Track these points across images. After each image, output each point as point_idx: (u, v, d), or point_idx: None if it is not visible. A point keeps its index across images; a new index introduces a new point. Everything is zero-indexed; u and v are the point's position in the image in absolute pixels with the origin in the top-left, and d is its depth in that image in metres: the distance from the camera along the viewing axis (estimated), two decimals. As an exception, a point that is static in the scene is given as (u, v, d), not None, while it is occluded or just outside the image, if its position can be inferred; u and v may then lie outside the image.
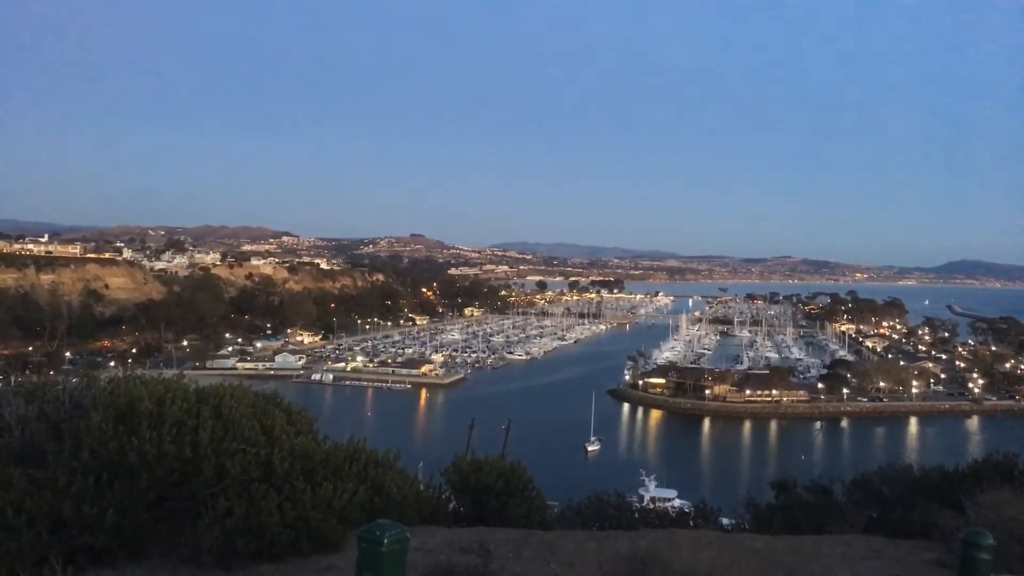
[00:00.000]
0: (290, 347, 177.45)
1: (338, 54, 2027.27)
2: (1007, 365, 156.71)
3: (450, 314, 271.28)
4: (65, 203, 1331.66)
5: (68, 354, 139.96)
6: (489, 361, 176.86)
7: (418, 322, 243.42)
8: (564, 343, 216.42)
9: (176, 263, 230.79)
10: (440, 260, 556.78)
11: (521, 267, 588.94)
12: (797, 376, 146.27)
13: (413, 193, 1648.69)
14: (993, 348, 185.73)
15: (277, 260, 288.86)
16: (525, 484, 9.84)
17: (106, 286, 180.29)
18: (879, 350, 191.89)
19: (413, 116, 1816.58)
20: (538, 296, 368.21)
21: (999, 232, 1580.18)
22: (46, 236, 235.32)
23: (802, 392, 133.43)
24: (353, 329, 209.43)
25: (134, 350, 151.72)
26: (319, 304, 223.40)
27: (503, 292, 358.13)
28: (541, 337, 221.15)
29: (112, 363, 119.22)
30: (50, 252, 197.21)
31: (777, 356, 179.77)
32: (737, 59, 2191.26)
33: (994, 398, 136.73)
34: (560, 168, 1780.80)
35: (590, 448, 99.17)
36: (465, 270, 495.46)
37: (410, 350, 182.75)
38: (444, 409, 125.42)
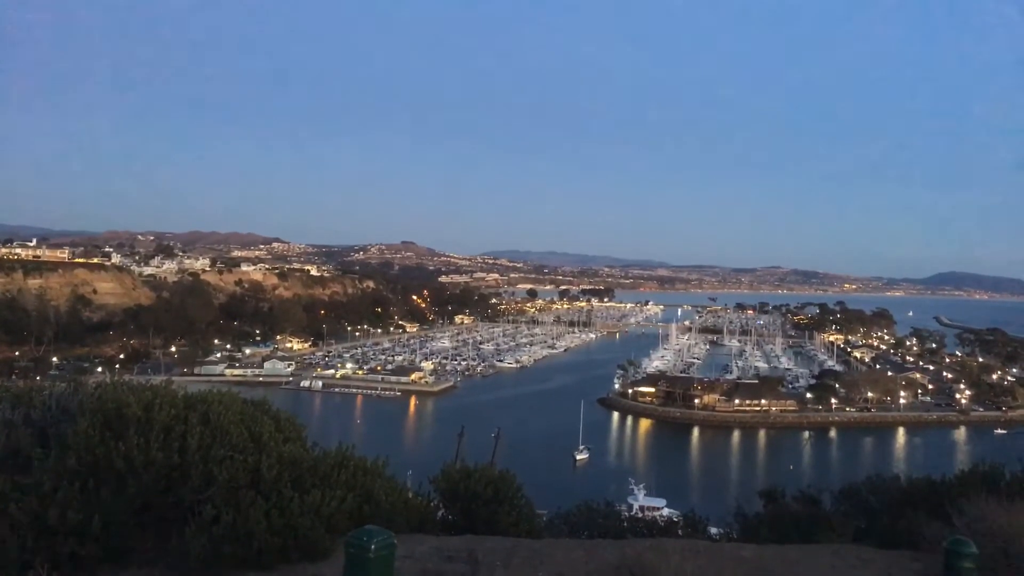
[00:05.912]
0: (279, 354, 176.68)
1: (328, 61, 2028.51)
2: (994, 376, 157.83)
3: (440, 322, 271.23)
4: (54, 208, 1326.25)
5: (55, 359, 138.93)
6: (479, 369, 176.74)
7: (408, 329, 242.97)
8: (554, 351, 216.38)
9: (165, 268, 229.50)
10: (431, 267, 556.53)
11: (511, 275, 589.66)
12: (786, 386, 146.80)
13: (404, 200, 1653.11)
14: (980, 359, 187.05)
15: (267, 266, 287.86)
16: (514, 492, 9.81)
17: (94, 291, 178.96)
18: (867, 360, 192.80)
19: (404, 123, 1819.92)
20: (528, 304, 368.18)
21: (987, 243, 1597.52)
22: (35, 240, 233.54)
23: (791, 402, 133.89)
24: (343, 336, 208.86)
25: (122, 356, 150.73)
26: (309, 311, 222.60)
27: (493, 300, 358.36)
28: (531, 345, 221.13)
29: (100, 368, 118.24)
30: (38, 256, 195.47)
31: (766, 366, 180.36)
32: (731, 71, 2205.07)
33: (981, 409, 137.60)
34: (551, 177, 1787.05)
35: (579, 456, 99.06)
36: (455, 278, 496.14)
37: (400, 357, 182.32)
38: (433, 417, 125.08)
